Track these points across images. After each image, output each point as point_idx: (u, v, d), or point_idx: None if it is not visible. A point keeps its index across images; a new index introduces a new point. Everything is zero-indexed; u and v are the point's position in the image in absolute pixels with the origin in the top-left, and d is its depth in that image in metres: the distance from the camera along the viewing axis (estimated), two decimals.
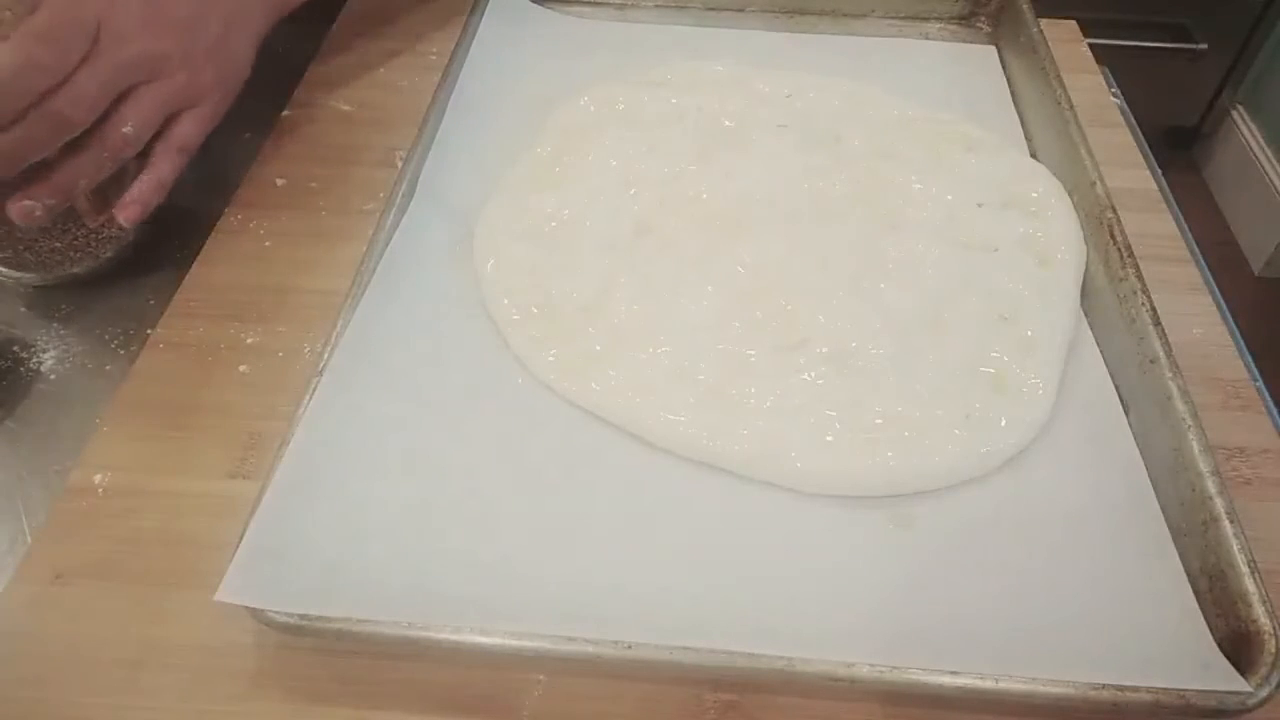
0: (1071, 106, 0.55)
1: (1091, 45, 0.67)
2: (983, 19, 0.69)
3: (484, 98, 0.59)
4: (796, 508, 0.41)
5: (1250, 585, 0.36)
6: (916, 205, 0.53)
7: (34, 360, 0.48)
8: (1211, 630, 0.36)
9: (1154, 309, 0.45)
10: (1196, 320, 0.49)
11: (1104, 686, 0.33)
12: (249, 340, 0.47)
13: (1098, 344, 0.47)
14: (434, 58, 0.62)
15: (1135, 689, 0.33)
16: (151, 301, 0.50)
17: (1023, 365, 0.45)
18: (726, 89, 0.60)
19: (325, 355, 0.42)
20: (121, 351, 0.48)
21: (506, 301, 0.47)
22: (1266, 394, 0.46)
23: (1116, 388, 0.45)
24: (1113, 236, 0.48)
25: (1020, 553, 0.39)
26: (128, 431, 0.43)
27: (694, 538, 0.39)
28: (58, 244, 0.50)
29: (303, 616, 0.35)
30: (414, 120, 0.55)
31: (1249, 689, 0.33)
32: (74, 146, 0.45)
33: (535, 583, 0.37)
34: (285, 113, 0.60)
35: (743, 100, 0.60)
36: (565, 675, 0.36)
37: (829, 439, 0.42)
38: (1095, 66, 0.66)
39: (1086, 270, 0.50)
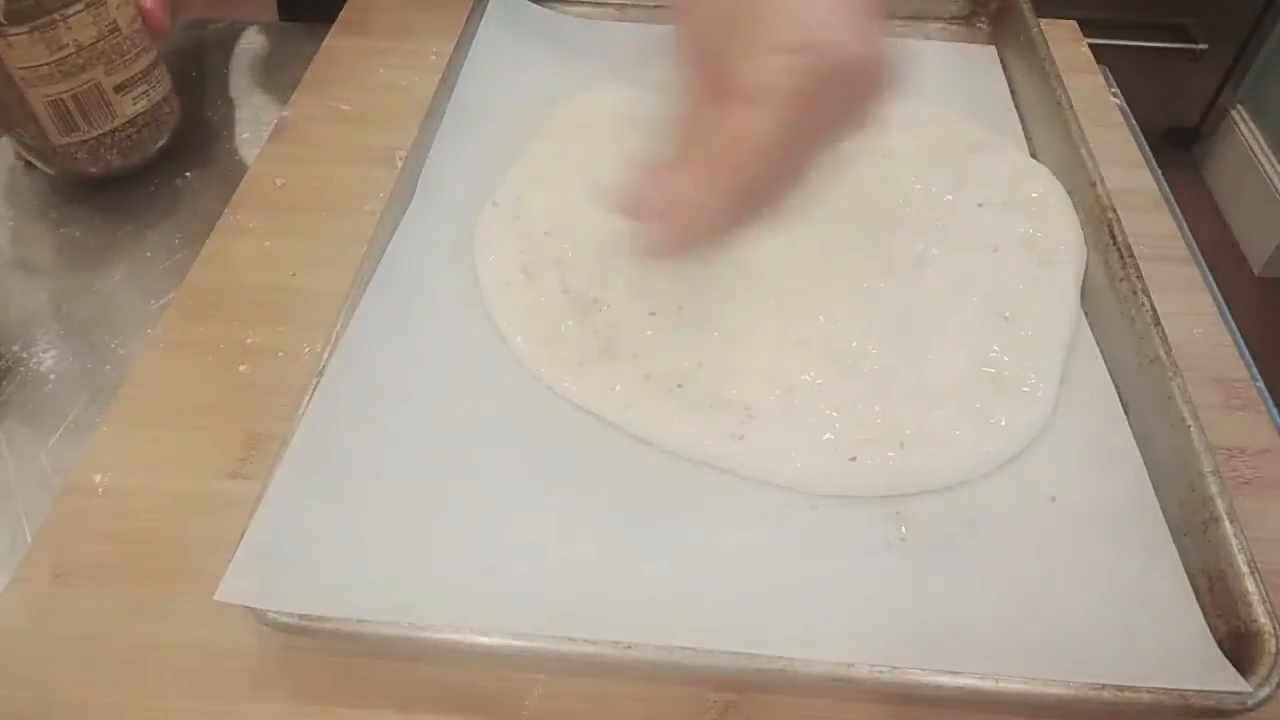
0: (1071, 106, 0.55)
1: (1091, 45, 0.67)
2: (983, 19, 0.69)
3: (484, 98, 0.59)
4: (796, 507, 0.41)
5: (1250, 585, 0.36)
6: (916, 205, 0.53)
7: (34, 360, 0.48)
8: (1211, 630, 0.36)
9: (1154, 309, 0.45)
10: (1196, 320, 0.49)
11: (1104, 686, 0.33)
12: (249, 340, 0.47)
13: (1098, 344, 0.47)
14: (434, 58, 0.62)
15: (1135, 689, 0.33)
16: (151, 301, 0.50)
17: (1023, 365, 0.45)
18: None
19: (325, 355, 0.42)
20: (121, 351, 0.48)
21: (506, 301, 0.47)
22: (1266, 394, 0.46)
23: (1116, 388, 0.45)
24: (1113, 236, 0.48)
25: (1020, 553, 0.39)
26: (128, 431, 0.43)
27: (693, 538, 0.39)
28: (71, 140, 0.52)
29: (303, 616, 0.34)
30: (414, 120, 0.55)
31: (1249, 689, 0.33)
32: None
33: (535, 583, 0.37)
34: (285, 113, 0.60)
35: None
36: (565, 675, 0.36)
37: (829, 439, 0.42)
38: (1095, 66, 0.66)
39: (1086, 270, 0.50)
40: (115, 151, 0.54)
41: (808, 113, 0.32)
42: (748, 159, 0.32)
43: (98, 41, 0.50)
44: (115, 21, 0.50)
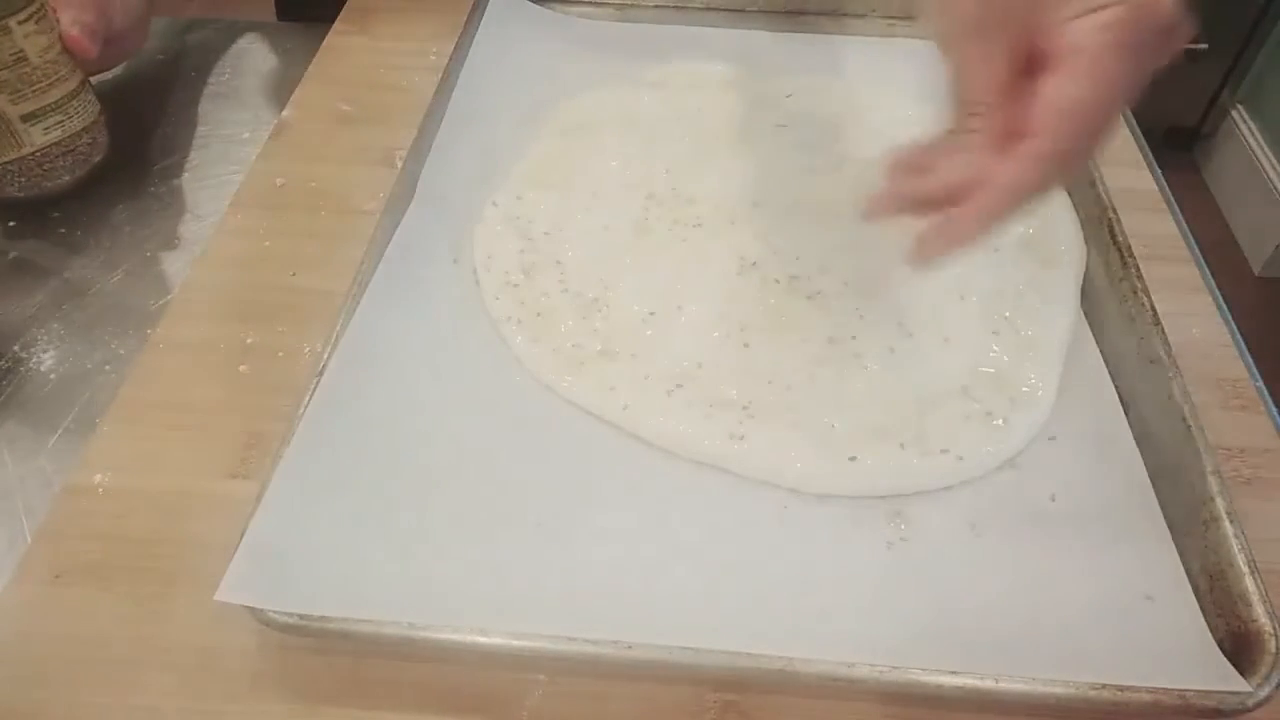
0: None
1: None
2: None
3: (484, 98, 0.59)
4: (796, 508, 0.41)
5: (1250, 585, 0.36)
6: None
7: (34, 360, 0.48)
8: (1211, 630, 0.36)
9: (1154, 309, 0.45)
10: (1196, 320, 0.49)
11: (1104, 686, 0.33)
12: (249, 340, 0.47)
13: (1098, 344, 0.47)
14: (434, 58, 0.62)
15: (1135, 689, 0.33)
16: (151, 301, 0.50)
17: (1023, 365, 0.45)
18: (726, 89, 0.60)
19: (325, 355, 0.42)
20: (121, 351, 0.48)
21: (506, 301, 0.47)
22: (1266, 394, 0.46)
23: (1116, 388, 0.45)
24: (1113, 236, 0.48)
25: (1020, 553, 0.39)
26: (128, 431, 0.43)
27: (693, 538, 0.39)
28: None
29: (303, 616, 0.34)
30: (414, 120, 0.55)
31: (1249, 689, 0.33)
32: None
33: (535, 583, 0.37)
34: (285, 113, 0.60)
35: (742, 100, 0.60)
36: (565, 675, 0.36)
37: (829, 439, 0.42)
38: None
39: (1086, 270, 0.50)
40: (22, 180, 0.53)
41: (1120, 68, 0.32)
42: (1067, 124, 0.32)
43: (1, 70, 0.49)
44: (22, 51, 0.49)
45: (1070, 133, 0.33)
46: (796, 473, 0.41)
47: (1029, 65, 0.33)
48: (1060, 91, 0.32)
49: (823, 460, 0.41)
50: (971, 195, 0.34)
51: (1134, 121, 0.62)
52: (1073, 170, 0.34)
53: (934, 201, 0.35)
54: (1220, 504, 0.38)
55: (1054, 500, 0.41)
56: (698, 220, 0.52)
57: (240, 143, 0.60)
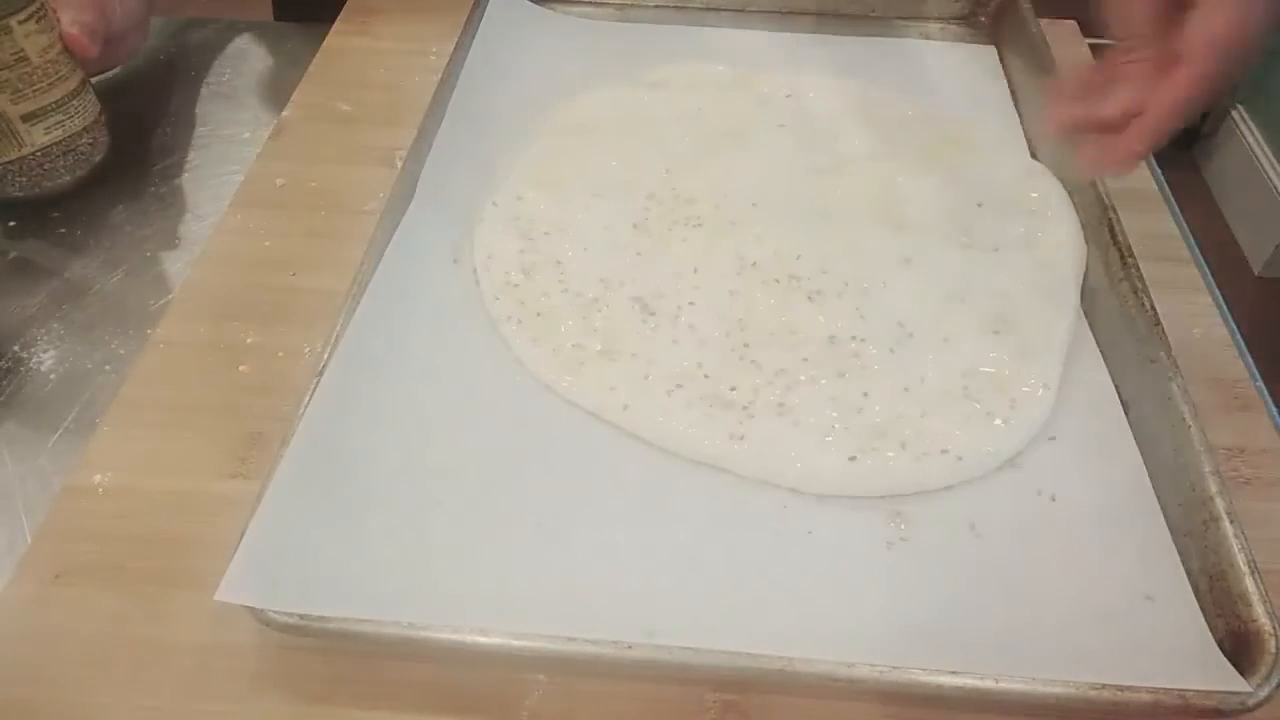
0: None
1: (1091, 45, 0.67)
2: (983, 19, 0.69)
3: (484, 98, 0.59)
4: (796, 508, 0.41)
5: (1250, 585, 0.36)
6: (916, 205, 0.53)
7: (34, 360, 0.48)
8: (1211, 630, 0.36)
9: (1154, 309, 0.45)
10: (1196, 320, 0.49)
11: (1104, 686, 0.33)
12: (249, 340, 0.47)
13: (1098, 344, 0.47)
14: (434, 58, 0.62)
15: (1135, 689, 0.33)
16: (151, 301, 0.50)
17: (1023, 366, 0.45)
18: (726, 89, 0.60)
19: (325, 355, 0.42)
20: (121, 351, 0.48)
21: (506, 301, 0.47)
22: (1266, 394, 0.46)
23: (1116, 388, 0.45)
24: (1113, 236, 0.48)
25: (1020, 552, 0.39)
26: (128, 431, 0.43)
27: (694, 538, 0.39)
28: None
29: (303, 616, 0.34)
30: (414, 120, 0.55)
31: (1249, 689, 0.33)
32: None
33: (535, 583, 0.37)
34: (285, 113, 0.60)
35: (743, 100, 0.60)
36: (565, 675, 0.36)
37: (829, 439, 0.42)
38: None
39: (1086, 270, 0.50)
40: (23, 180, 0.53)
41: (1232, 60, 0.37)
42: (1213, 50, 0.37)
43: (2, 70, 0.48)
44: (23, 50, 0.49)
45: (1216, 58, 0.37)
46: (796, 473, 0.41)
47: (1179, 2, 0.38)
48: (1205, 24, 0.37)
49: (823, 460, 0.41)
50: (1135, 119, 0.39)
51: None
52: (1217, 91, 0.39)
53: (1103, 125, 0.41)
54: (1220, 504, 0.38)
55: (1054, 500, 0.41)
56: (698, 220, 0.52)
57: (240, 143, 0.60)
